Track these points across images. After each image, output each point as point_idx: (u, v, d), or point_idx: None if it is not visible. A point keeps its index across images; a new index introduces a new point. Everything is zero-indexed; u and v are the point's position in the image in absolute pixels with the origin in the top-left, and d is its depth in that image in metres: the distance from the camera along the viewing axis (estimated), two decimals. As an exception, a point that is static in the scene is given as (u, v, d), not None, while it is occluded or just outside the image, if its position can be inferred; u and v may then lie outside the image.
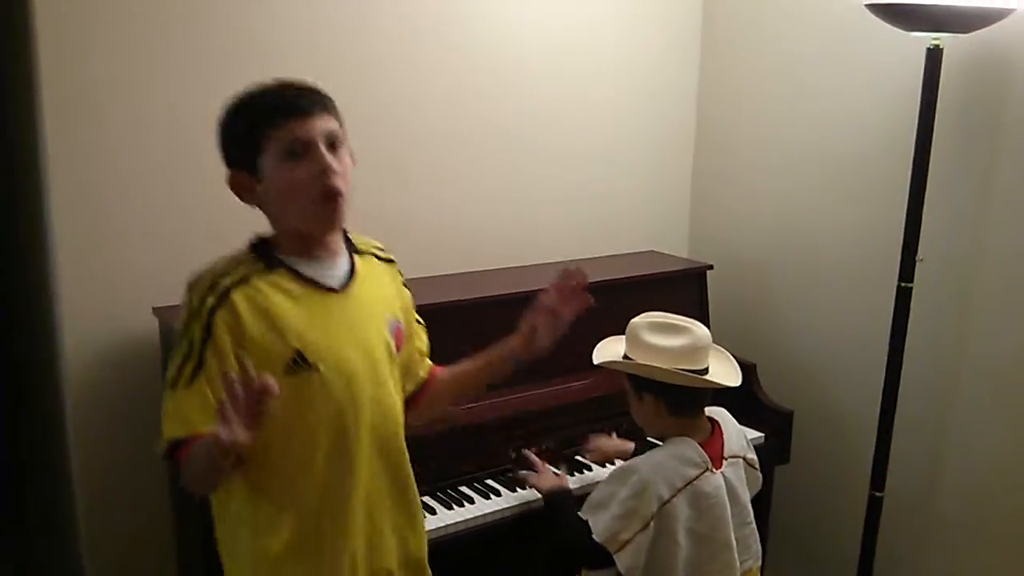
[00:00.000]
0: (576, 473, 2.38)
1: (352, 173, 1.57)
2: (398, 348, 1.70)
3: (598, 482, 2.07)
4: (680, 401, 2.04)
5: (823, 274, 2.95)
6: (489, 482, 2.33)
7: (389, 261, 1.77)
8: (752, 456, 2.17)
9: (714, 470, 2.01)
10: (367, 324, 1.63)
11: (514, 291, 2.48)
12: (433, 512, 2.18)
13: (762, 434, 2.64)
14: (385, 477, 1.66)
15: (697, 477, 1.98)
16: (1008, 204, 2.46)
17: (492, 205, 2.86)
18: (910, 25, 2.31)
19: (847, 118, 2.81)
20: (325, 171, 1.50)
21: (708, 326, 2.14)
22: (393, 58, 2.60)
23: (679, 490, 1.95)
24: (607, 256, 3.06)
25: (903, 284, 2.50)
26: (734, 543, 2.04)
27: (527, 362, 1.80)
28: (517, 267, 2.86)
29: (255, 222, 1.60)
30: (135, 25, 2.19)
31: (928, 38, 2.33)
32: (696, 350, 2.02)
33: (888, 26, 2.35)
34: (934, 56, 2.34)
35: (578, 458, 2.46)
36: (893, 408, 2.58)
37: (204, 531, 1.75)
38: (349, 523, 1.60)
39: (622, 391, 2.12)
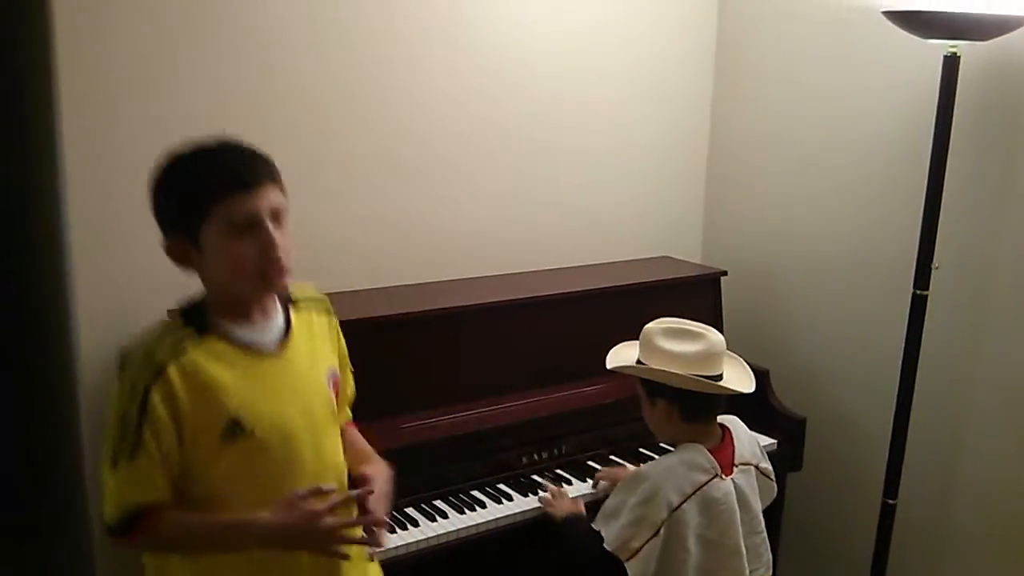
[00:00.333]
0: (589, 479, 2.38)
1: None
2: (336, 396, 1.70)
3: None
4: (693, 407, 2.03)
5: (837, 281, 2.94)
6: (501, 486, 2.33)
7: (327, 312, 1.73)
8: (766, 466, 2.16)
9: (724, 476, 2.01)
10: (306, 381, 1.61)
11: (526, 296, 2.50)
12: (445, 516, 2.18)
13: (774, 440, 2.63)
14: None
15: (706, 483, 1.98)
16: (1025, 212, 2.45)
17: (505, 210, 2.86)
18: (927, 33, 2.30)
19: (863, 125, 2.80)
20: (271, 247, 1.47)
21: (722, 332, 2.14)
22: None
23: (689, 496, 1.95)
24: (621, 261, 3.06)
25: (918, 292, 2.48)
26: (744, 550, 2.03)
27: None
28: (532, 272, 2.86)
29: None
30: (149, 27, 2.20)
31: (945, 46, 2.32)
32: (710, 356, 2.01)
33: (905, 33, 2.35)
34: (951, 64, 2.33)
35: (590, 463, 2.46)
36: (907, 416, 2.57)
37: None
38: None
39: (635, 396, 2.12)
